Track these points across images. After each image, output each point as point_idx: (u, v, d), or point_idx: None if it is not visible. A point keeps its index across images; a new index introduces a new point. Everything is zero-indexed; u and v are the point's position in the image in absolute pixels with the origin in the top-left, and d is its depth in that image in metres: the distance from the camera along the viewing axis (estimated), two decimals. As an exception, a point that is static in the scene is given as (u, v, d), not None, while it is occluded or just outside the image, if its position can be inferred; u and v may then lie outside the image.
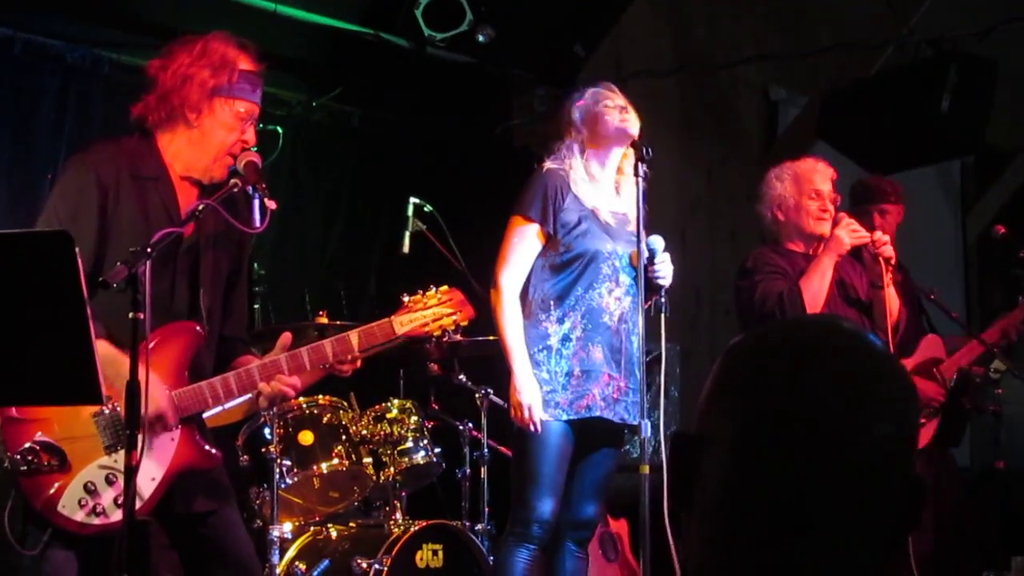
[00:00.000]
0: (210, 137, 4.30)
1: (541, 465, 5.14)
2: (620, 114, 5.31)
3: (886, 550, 1.65)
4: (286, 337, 4.28)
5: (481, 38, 7.37)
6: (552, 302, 5.18)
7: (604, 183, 5.35)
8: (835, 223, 5.87)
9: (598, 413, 5.15)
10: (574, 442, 5.20)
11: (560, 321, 5.18)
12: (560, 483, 5.19)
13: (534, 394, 5.07)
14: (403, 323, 4.36)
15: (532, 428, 5.06)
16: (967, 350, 7.04)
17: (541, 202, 5.20)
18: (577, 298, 5.18)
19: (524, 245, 5.23)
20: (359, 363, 4.41)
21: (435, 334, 4.45)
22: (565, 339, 5.17)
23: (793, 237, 6.08)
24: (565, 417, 5.12)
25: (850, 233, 5.82)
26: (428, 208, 6.54)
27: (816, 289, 5.74)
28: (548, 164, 5.32)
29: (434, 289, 4.49)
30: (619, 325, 5.21)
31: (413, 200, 6.48)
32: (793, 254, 6.05)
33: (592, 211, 5.24)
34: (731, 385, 1.73)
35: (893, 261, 5.83)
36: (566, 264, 5.21)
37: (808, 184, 6.05)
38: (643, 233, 5.03)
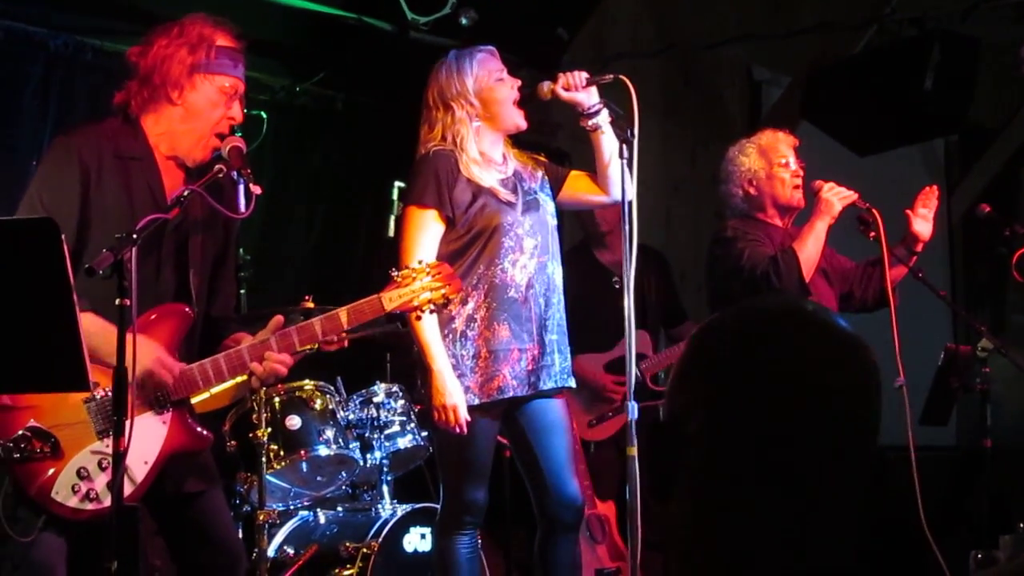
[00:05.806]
0: (196, 113, 4.30)
1: (464, 454, 5.07)
2: (515, 100, 5.20)
3: (857, 528, 1.66)
4: (277, 319, 4.26)
5: (464, 21, 7.35)
6: None
7: (494, 156, 5.22)
8: (816, 190, 5.85)
9: (511, 394, 5.05)
10: (498, 421, 5.14)
11: (464, 302, 5.00)
12: (487, 465, 5.14)
13: (458, 395, 4.93)
14: (392, 299, 4.28)
15: (458, 431, 4.94)
16: (669, 353, 7.17)
17: (435, 186, 5.03)
18: (479, 276, 5.03)
19: (427, 234, 5.04)
20: (345, 342, 4.40)
21: (424, 308, 4.35)
22: (470, 320, 5.04)
23: (767, 209, 6.08)
24: (476, 401, 5.00)
25: (837, 196, 5.80)
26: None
27: (811, 252, 5.71)
28: (433, 146, 5.14)
29: (422, 263, 4.40)
30: (527, 293, 5.08)
31: (398, 184, 6.46)
32: (770, 226, 6.05)
33: (486, 188, 5.09)
34: (695, 373, 1.73)
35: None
36: (467, 244, 5.07)
37: (776, 154, 6.07)
38: (635, 230, 4.89)
